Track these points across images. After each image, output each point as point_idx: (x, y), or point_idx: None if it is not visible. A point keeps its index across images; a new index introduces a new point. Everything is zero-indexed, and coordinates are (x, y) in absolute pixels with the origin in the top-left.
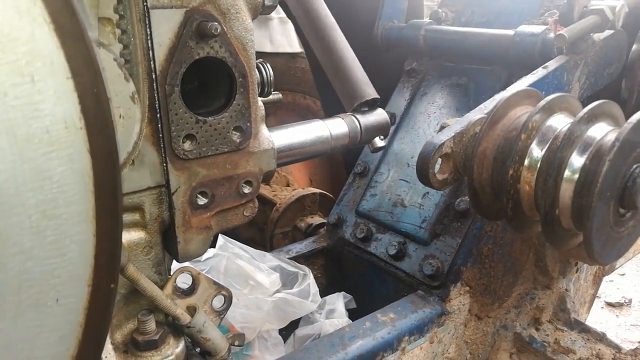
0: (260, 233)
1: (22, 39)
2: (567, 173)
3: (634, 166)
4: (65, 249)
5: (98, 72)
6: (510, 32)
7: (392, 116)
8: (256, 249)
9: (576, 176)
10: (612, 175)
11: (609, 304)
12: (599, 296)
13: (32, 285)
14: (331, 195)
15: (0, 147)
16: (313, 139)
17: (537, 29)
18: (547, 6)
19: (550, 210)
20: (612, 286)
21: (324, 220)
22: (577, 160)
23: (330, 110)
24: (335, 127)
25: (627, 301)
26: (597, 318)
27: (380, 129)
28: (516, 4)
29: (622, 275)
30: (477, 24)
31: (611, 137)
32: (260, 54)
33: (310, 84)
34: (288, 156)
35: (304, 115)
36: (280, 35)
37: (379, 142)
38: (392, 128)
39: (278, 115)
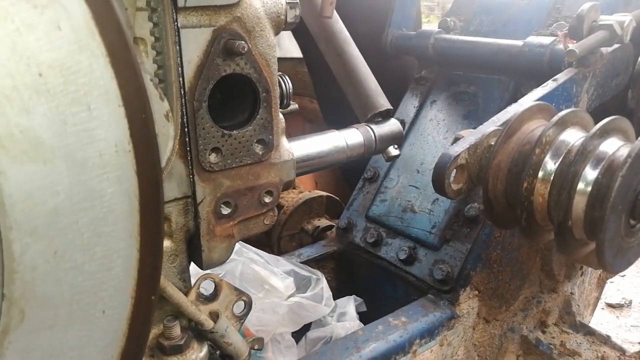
0: (267, 235)
1: (81, 71)
2: (580, 186)
3: None
4: (113, 264)
5: (146, 99)
6: (519, 42)
7: (401, 122)
8: (263, 250)
9: (589, 189)
10: (624, 190)
11: (610, 305)
12: None
13: (82, 298)
14: (337, 198)
15: (58, 171)
16: (330, 149)
17: (546, 40)
18: (554, 17)
19: (564, 222)
20: (613, 287)
21: (331, 223)
22: (590, 174)
23: (329, 113)
24: (351, 137)
25: (627, 302)
26: (597, 319)
27: (394, 139)
28: (524, 14)
29: (623, 276)
30: (485, 33)
31: (623, 152)
32: None
33: None
34: (307, 166)
35: (311, 118)
36: (288, 41)
37: (393, 151)
38: None
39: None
